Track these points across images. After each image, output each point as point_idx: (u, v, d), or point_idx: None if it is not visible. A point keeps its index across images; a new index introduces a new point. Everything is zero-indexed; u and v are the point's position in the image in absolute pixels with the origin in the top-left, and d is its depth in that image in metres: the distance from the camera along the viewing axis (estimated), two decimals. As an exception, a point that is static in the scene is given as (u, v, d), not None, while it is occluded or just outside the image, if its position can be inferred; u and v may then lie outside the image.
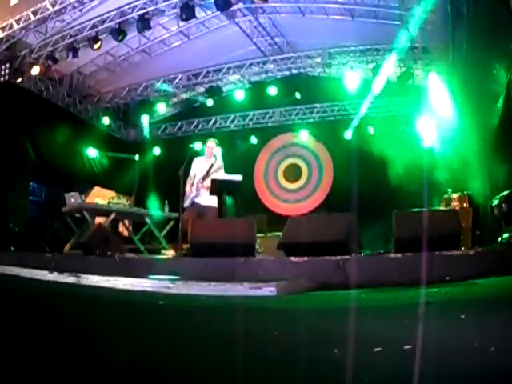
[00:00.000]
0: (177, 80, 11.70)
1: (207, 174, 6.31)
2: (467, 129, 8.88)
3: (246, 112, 12.70)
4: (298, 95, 11.51)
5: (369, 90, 10.36)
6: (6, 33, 8.63)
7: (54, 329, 2.18)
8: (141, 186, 10.99)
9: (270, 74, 11.64)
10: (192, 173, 6.48)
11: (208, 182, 6.21)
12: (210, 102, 11.79)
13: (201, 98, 12.35)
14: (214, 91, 11.54)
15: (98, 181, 10.67)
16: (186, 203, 6.37)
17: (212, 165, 6.44)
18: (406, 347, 1.58)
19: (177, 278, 4.08)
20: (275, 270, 4.20)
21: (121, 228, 8.62)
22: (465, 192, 8.08)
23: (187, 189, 6.31)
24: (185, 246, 5.84)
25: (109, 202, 7.14)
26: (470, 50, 7.43)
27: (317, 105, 12.19)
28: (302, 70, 11.38)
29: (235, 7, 9.03)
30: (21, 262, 5.21)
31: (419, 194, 8.44)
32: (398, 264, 3.93)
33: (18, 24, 8.48)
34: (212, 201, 6.30)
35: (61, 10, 8.24)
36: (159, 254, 7.18)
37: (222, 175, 6.37)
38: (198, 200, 6.32)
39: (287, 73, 11.54)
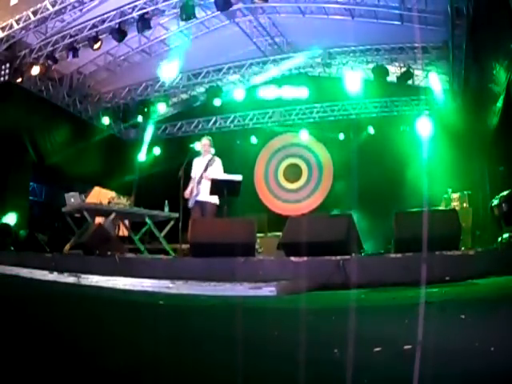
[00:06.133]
0: (177, 80, 11.70)
1: (205, 170, 6.39)
2: (467, 128, 8.89)
3: (246, 112, 12.70)
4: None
5: None
6: (6, 33, 8.62)
7: (54, 329, 2.18)
8: (141, 186, 10.99)
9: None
10: (192, 174, 6.53)
11: (207, 176, 6.28)
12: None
13: (202, 98, 12.31)
14: (214, 91, 11.52)
15: (98, 181, 10.66)
16: (190, 203, 6.42)
17: (209, 160, 6.51)
18: (406, 347, 1.58)
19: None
20: (275, 270, 4.20)
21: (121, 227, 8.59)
22: (465, 192, 8.08)
23: (188, 190, 6.36)
24: (184, 246, 5.84)
25: (109, 202, 7.13)
26: (470, 49, 7.43)
27: (317, 105, 12.18)
28: (301, 70, 11.37)
29: (235, 7, 9.02)
30: (21, 262, 5.20)
31: (419, 194, 8.46)
32: (398, 264, 3.93)
33: (18, 24, 8.48)
34: (211, 196, 6.33)
35: (61, 9, 8.23)
36: (159, 254, 7.18)
37: (221, 175, 6.39)
38: (198, 197, 6.37)
39: (287, 73, 11.53)
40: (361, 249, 4.83)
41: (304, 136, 12.29)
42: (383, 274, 3.90)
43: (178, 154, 9.27)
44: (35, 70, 9.43)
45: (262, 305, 3.06)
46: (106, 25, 8.97)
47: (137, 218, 7.70)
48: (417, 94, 10.87)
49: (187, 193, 6.36)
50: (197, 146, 6.83)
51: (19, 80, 9.45)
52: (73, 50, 9.20)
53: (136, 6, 8.69)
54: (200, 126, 13.28)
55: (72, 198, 6.95)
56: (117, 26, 8.84)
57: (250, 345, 1.78)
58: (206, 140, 6.72)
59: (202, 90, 12.15)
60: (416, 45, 9.46)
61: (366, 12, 9.00)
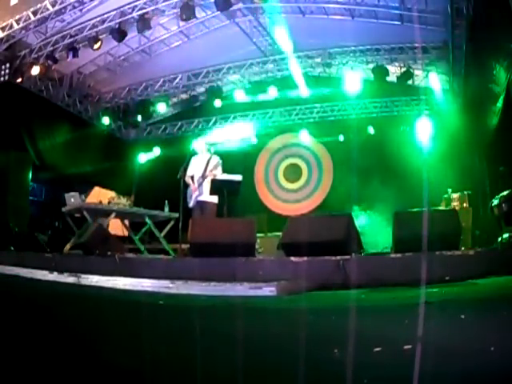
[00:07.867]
0: (177, 80, 11.70)
1: (205, 170, 6.41)
2: (467, 129, 8.88)
3: (245, 112, 12.70)
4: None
5: None
6: (6, 33, 8.61)
7: (54, 329, 2.18)
8: (141, 186, 10.99)
9: (269, 74, 11.63)
10: (190, 172, 6.56)
11: (208, 177, 6.32)
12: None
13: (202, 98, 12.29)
14: (214, 91, 11.52)
15: (97, 181, 10.65)
16: (191, 204, 6.44)
17: (209, 160, 6.53)
18: (406, 347, 1.58)
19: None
20: (275, 270, 4.20)
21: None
22: (465, 192, 8.08)
23: (193, 186, 6.42)
24: (184, 246, 5.84)
25: (109, 202, 7.13)
26: (470, 49, 7.43)
27: (317, 105, 12.18)
28: (302, 70, 11.36)
29: (235, 7, 9.02)
30: (21, 262, 5.20)
31: (419, 194, 8.46)
32: (398, 264, 3.93)
33: (18, 24, 8.47)
34: (211, 196, 6.35)
35: (61, 9, 8.22)
36: (159, 254, 7.18)
37: (221, 175, 6.41)
38: (200, 198, 6.41)
39: (287, 73, 11.52)
40: (361, 249, 4.84)
41: (304, 136, 12.29)
42: (383, 273, 3.90)
43: (178, 154, 9.26)
44: (35, 70, 9.42)
45: (262, 305, 3.06)
46: (106, 25, 8.96)
47: (137, 217, 7.70)
48: (417, 94, 10.86)
49: (194, 188, 6.41)
50: (194, 145, 6.87)
51: (19, 80, 9.44)
52: (73, 49, 9.18)
53: (136, 6, 8.67)
54: (200, 126, 13.27)
55: (72, 198, 6.95)
56: (117, 26, 8.83)
57: (250, 345, 1.78)
58: (202, 139, 6.80)
59: (202, 89, 12.15)
60: (416, 45, 9.46)
61: (365, 12, 8.99)
